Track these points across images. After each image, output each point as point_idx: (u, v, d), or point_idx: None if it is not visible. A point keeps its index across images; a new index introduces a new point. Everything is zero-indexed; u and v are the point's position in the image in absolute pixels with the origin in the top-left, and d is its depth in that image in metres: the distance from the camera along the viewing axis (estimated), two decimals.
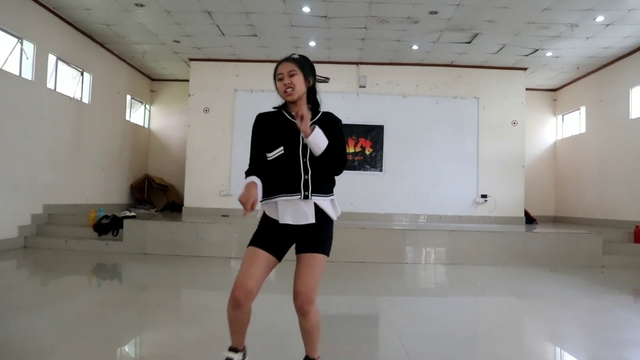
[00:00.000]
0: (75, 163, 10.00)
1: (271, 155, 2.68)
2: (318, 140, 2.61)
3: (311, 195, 2.65)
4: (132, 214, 9.40)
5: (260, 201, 2.72)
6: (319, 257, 2.67)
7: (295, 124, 2.64)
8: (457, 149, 11.64)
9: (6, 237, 7.92)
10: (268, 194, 2.71)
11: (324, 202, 2.71)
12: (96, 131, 10.84)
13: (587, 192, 11.84)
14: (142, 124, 13.53)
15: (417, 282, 7.09)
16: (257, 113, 2.81)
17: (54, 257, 7.54)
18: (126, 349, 3.55)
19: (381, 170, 11.53)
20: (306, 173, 2.66)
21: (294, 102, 2.72)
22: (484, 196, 11.54)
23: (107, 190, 11.46)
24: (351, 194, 10.82)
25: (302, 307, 2.59)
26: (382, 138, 11.58)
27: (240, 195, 2.53)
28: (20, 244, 8.22)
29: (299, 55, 2.78)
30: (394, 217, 11.41)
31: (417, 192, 11.52)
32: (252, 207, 2.50)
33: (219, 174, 11.57)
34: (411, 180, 11.52)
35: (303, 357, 2.80)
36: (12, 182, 8.06)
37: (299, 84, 2.69)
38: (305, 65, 2.74)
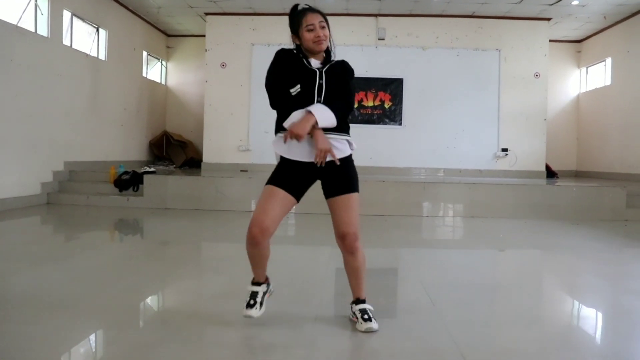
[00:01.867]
0: (94, 120, 10.02)
1: (294, 91, 2.69)
2: (327, 122, 2.65)
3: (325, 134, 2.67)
4: (152, 169, 9.45)
5: (275, 135, 2.78)
6: (354, 196, 2.75)
7: (312, 68, 2.74)
8: (477, 102, 11.43)
9: (30, 194, 8.02)
10: (281, 128, 2.72)
11: (338, 141, 2.73)
12: (113, 88, 10.82)
13: (610, 146, 11.62)
14: (159, 81, 13.48)
15: (437, 234, 7.08)
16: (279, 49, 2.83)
17: (77, 213, 7.64)
18: (152, 298, 3.59)
19: (400, 124, 11.40)
20: None
21: (317, 52, 2.77)
22: (504, 150, 11.39)
23: (126, 147, 11.51)
24: (370, 148, 10.72)
25: (351, 246, 2.71)
26: (402, 91, 11.40)
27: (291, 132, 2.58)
28: (44, 200, 8.33)
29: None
30: (413, 172, 11.34)
31: (437, 146, 11.40)
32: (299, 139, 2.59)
33: (237, 129, 11.53)
34: (431, 134, 11.38)
35: (351, 301, 2.88)
36: (32, 140, 8.11)
37: (327, 36, 2.76)
38: (327, 19, 2.80)
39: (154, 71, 13.29)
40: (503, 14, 11.16)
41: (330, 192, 2.75)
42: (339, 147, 2.73)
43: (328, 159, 2.66)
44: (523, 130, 11.43)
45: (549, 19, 11.34)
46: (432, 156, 11.41)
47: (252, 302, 2.76)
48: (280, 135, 2.72)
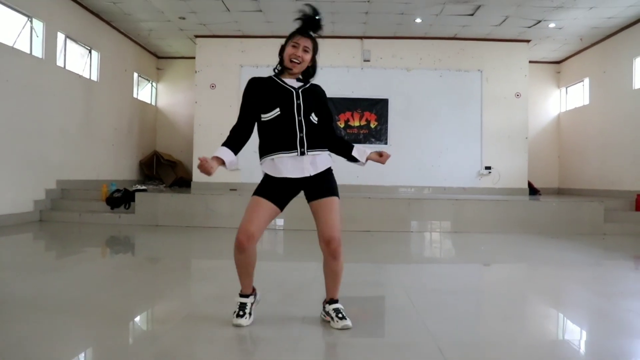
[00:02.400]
0: (86, 140, 10.20)
1: (268, 116, 2.92)
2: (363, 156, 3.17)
3: (307, 152, 2.90)
4: (144, 187, 9.62)
5: (261, 159, 2.98)
6: (336, 200, 2.97)
7: (288, 88, 2.95)
8: (461, 121, 11.76)
9: (22, 211, 8.17)
10: (266, 152, 2.94)
11: (319, 156, 2.97)
12: (105, 108, 11.02)
13: (590, 164, 11.97)
14: (149, 102, 13.70)
15: (421, 248, 7.28)
16: (250, 78, 3.03)
17: (69, 230, 7.78)
18: (147, 302, 3.76)
19: (386, 143, 11.67)
20: (301, 131, 2.91)
21: (291, 72, 2.97)
22: (488, 168, 11.69)
23: (117, 166, 11.68)
24: (357, 166, 10.92)
25: (335, 250, 2.89)
26: (387, 111, 11.70)
27: (201, 163, 2.74)
28: (36, 217, 8.47)
29: (316, 36, 3.02)
30: (400, 190, 11.59)
31: (421, 164, 11.68)
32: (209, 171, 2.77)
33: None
34: (416, 152, 11.67)
35: (324, 300, 3.07)
36: (25, 158, 8.28)
37: (305, 62, 2.96)
38: (317, 49, 3.02)
39: (144, 92, 13.52)
40: (484, 36, 11.56)
41: (313, 196, 2.95)
42: (321, 160, 2.98)
43: (315, 172, 2.94)
44: (505, 149, 11.75)
45: (528, 41, 11.74)
46: (417, 174, 11.67)
47: (241, 312, 2.97)
48: (270, 158, 2.92)
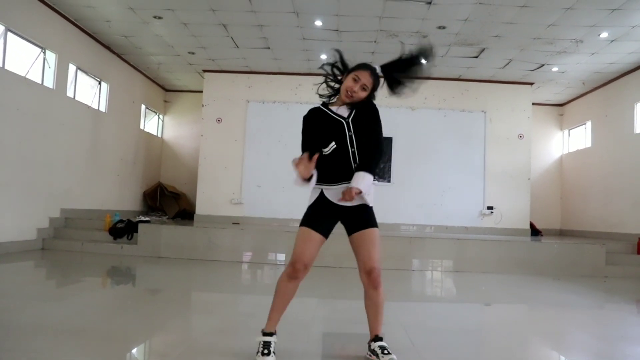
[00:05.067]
0: (92, 169, 10.31)
1: (327, 150, 2.97)
2: (369, 186, 2.93)
3: None
4: (147, 219, 9.66)
5: (316, 185, 3.02)
6: (376, 231, 3.02)
7: (338, 119, 3.00)
8: (464, 161, 11.86)
9: (26, 239, 8.21)
10: (322, 180, 3.00)
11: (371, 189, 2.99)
12: (112, 139, 11.16)
13: (592, 206, 12.00)
14: (155, 133, 13.87)
15: (422, 286, 7.27)
16: (310, 108, 3.12)
17: (71, 259, 7.80)
18: (147, 333, 3.77)
19: (389, 182, 11.75)
20: (355, 161, 2.96)
21: (344, 100, 3.03)
22: (490, 208, 11.73)
23: (121, 196, 11.75)
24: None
25: (376, 280, 2.95)
26: (391, 150, 11.80)
27: (298, 163, 2.86)
28: (39, 245, 8.50)
29: (379, 74, 3.09)
30: (402, 228, 11.61)
31: (424, 203, 11.73)
32: (305, 175, 2.88)
33: (230, 183, 11.83)
34: (419, 191, 11.73)
35: (369, 339, 3.09)
36: (31, 186, 8.36)
37: (361, 97, 3.02)
38: (376, 87, 3.08)
39: (151, 124, 13.69)
40: (488, 77, 11.74)
41: (353, 229, 3.01)
42: (369, 190, 2.97)
43: (355, 202, 2.95)
44: (508, 189, 11.81)
45: (531, 84, 11.92)
46: (419, 213, 11.72)
47: (265, 351, 2.89)
48: (326, 187, 2.99)
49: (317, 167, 2.97)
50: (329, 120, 3.01)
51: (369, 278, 2.94)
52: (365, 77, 2.99)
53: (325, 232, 2.98)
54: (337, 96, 3.09)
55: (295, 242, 2.96)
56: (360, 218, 2.99)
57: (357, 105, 3.04)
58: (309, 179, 2.93)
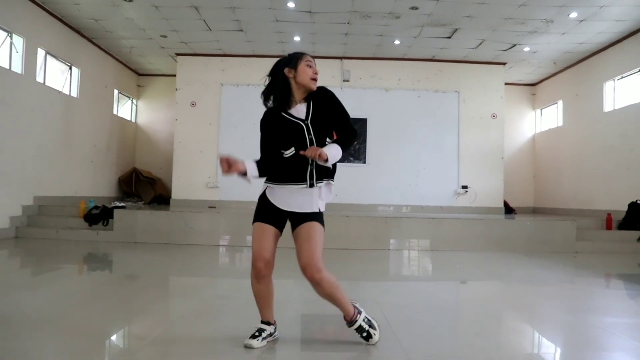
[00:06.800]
0: (64, 156, 10.17)
1: (287, 153, 2.86)
2: (336, 158, 2.85)
3: (315, 183, 2.88)
4: (122, 204, 9.60)
5: (266, 182, 2.96)
6: (315, 225, 2.88)
7: (297, 122, 2.88)
8: (438, 141, 11.97)
9: None
10: (276, 179, 2.91)
11: (322, 188, 2.93)
12: (84, 125, 11.01)
13: (564, 184, 12.24)
14: (129, 118, 13.70)
15: (397, 266, 7.37)
16: (264, 111, 3.02)
17: (46, 246, 7.72)
18: (124, 319, 3.78)
19: (365, 162, 11.83)
20: (311, 164, 2.87)
21: (304, 88, 2.93)
22: (464, 187, 11.89)
23: (96, 183, 11.63)
24: (335, 185, 10.98)
25: (313, 277, 2.81)
26: (366, 131, 11.87)
27: (225, 159, 2.76)
28: (12, 234, 8.39)
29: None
30: (378, 208, 11.71)
31: (399, 183, 11.84)
32: (228, 169, 2.77)
33: (205, 167, 11.78)
34: (394, 172, 11.83)
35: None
36: (2, 174, 8.23)
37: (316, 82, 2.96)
38: None
39: (124, 109, 13.52)
40: (461, 58, 11.83)
41: (295, 225, 2.92)
42: (322, 192, 2.94)
43: (301, 210, 2.88)
44: (482, 169, 11.97)
45: (504, 64, 12.04)
46: (395, 193, 11.83)
47: (256, 334, 2.94)
48: (279, 186, 2.89)
49: (275, 166, 2.91)
50: (287, 124, 2.89)
51: (305, 275, 2.82)
52: (312, 61, 2.97)
53: (278, 224, 2.92)
54: (291, 97, 2.92)
55: (252, 241, 2.93)
56: (305, 215, 2.89)
57: (313, 98, 2.94)
58: (244, 174, 2.84)
